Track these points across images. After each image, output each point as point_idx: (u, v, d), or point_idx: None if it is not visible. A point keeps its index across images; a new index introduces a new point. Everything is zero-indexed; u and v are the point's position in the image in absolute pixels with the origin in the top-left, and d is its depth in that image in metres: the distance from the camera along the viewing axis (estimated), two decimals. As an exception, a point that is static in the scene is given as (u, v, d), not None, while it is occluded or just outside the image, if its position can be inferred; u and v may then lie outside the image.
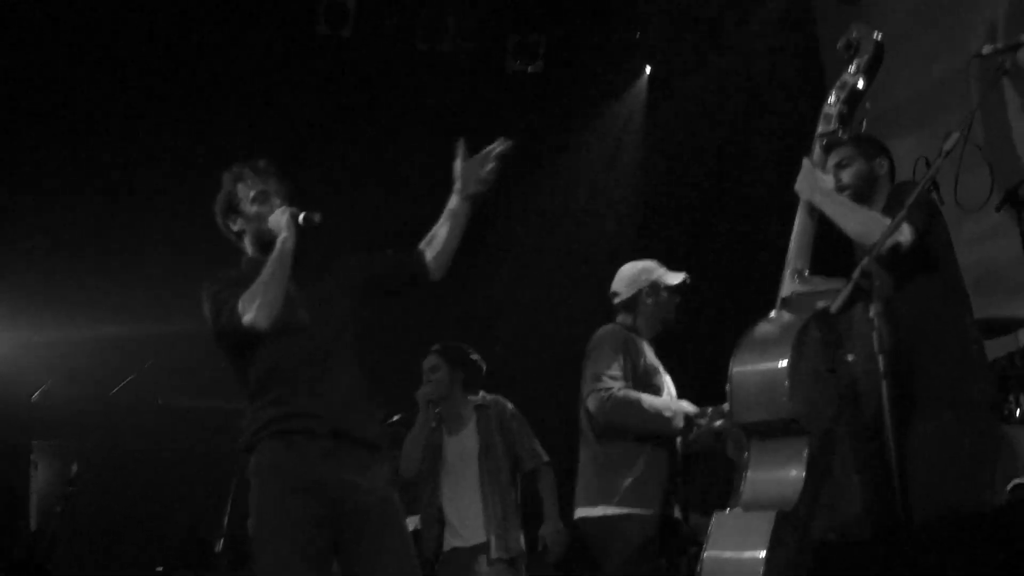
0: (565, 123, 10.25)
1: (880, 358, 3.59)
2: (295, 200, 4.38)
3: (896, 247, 3.94)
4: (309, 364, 4.19)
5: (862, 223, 4.14)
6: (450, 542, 6.05)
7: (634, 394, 5.31)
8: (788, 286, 4.31)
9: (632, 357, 5.44)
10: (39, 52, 8.57)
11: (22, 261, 8.34)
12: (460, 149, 4.45)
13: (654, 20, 9.85)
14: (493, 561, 5.92)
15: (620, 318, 5.66)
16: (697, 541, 6.76)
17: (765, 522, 3.79)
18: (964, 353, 4.19)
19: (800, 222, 4.42)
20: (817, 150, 4.46)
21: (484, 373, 6.35)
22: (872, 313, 3.61)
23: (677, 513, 5.50)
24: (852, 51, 4.48)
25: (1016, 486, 5.21)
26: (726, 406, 5.36)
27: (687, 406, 5.46)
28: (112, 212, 8.71)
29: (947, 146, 3.71)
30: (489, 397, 6.28)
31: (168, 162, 8.78)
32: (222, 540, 7.21)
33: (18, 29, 8.47)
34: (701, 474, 7.84)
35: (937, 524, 3.61)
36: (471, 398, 6.26)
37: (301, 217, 4.25)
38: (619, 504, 5.27)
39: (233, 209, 4.42)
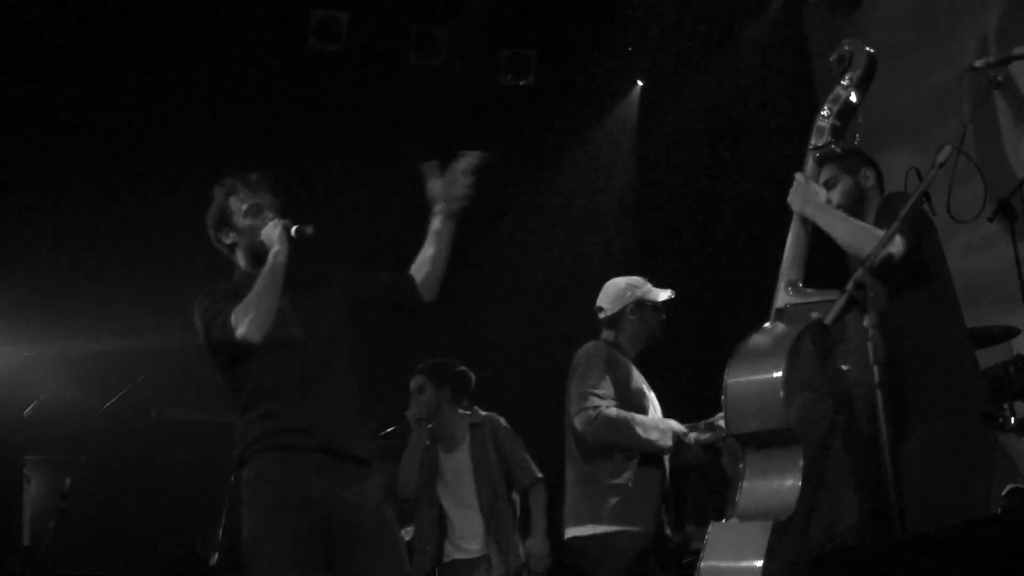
0: (557, 137, 10.26)
1: (875, 369, 3.60)
2: (286, 213, 4.38)
3: (888, 258, 3.95)
4: (300, 378, 4.19)
5: (855, 235, 4.15)
6: (450, 554, 6.07)
7: (621, 412, 5.29)
8: (782, 297, 4.32)
9: (616, 374, 5.42)
10: (29, 70, 8.58)
11: (14, 275, 8.32)
12: (432, 170, 4.44)
13: (646, 34, 9.87)
14: (494, 573, 5.93)
15: (604, 334, 5.64)
16: (690, 550, 6.78)
17: (762, 532, 3.79)
18: (956, 363, 4.21)
19: (794, 234, 4.43)
20: (810, 163, 4.47)
21: (473, 384, 6.36)
22: (867, 324, 3.61)
23: (667, 530, 5.49)
24: (845, 65, 4.49)
25: (1011, 491, 5.22)
26: (714, 420, 5.40)
27: (675, 424, 5.44)
28: (104, 226, 8.70)
29: (940, 159, 3.72)
30: (483, 414, 6.30)
31: (160, 175, 8.77)
32: (217, 554, 7.20)
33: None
34: (695, 485, 7.85)
35: (933, 533, 3.61)
36: (464, 413, 6.28)
37: (294, 230, 4.25)
38: (608, 522, 5.25)
39: (225, 222, 4.42)
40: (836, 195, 4.42)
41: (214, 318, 4.16)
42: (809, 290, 4.30)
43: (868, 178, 4.44)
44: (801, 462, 3.88)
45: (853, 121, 4.49)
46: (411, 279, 4.46)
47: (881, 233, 3.89)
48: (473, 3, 9.60)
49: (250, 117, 9.11)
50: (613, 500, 5.26)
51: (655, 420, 5.43)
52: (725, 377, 4.11)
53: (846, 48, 4.51)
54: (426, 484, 6.16)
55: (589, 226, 10.35)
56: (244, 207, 4.38)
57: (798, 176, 4.44)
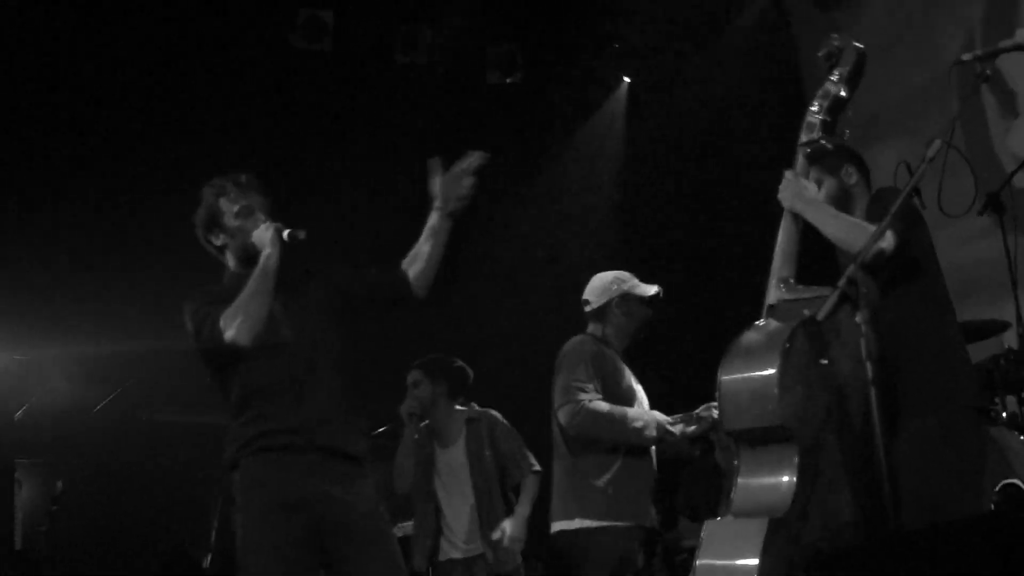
0: (545, 134, 10.28)
1: (868, 365, 3.61)
2: (273, 213, 4.37)
3: (880, 254, 3.94)
4: (291, 380, 4.19)
5: (846, 230, 4.15)
6: (446, 552, 6.05)
7: (605, 405, 5.28)
8: (774, 294, 4.31)
9: (602, 368, 5.41)
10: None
11: (4, 279, 8.30)
12: (435, 167, 4.43)
13: (633, 31, 9.87)
14: (489, 573, 5.92)
15: (590, 328, 5.63)
16: (683, 548, 6.79)
17: (757, 529, 3.78)
18: (948, 358, 4.21)
19: (785, 230, 4.41)
20: (800, 159, 4.46)
21: (470, 380, 6.35)
22: (860, 320, 3.61)
23: (655, 524, 5.48)
24: (833, 60, 4.47)
25: (1005, 486, 5.24)
26: (700, 411, 5.40)
27: (660, 416, 5.43)
28: (94, 228, 8.68)
29: (930, 153, 3.72)
30: (480, 410, 6.28)
31: (145, 176, 8.75)
32: (209, 556, 7.20)
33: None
34: (688, 480, 7.86)
35: (928, 529, 3.62)
36: (461, 409, 6.26)
37: (286, 233, 4.24)
38: (595, 517, 5.24)
39: (216, 223, 4.40)
40: (821, 197, 4.41)
41: (203, 321, 4.15)
42: (801, 287, 4.30)
43: (851, 175, 4.42)
44: (796, 459, 3.87)
45: (843, 116, 4.48)
46: (404, 275, 4.45)
47: (872, 228, 3.89)
48: (459, 1, 9.59)
49: (236, 117, 9.10)
50: (600, 494, 5.25)
51: (639, 412, 5.40)
52: (719, 374, 4.10)
53: (835, 43, 4.49)
54: (423, 480, 6.15)
55: (578, 221, 10.36)
56: (235, 208, 4.37)
57: (788, 173, 4.43)
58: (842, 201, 4.37)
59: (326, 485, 4.10)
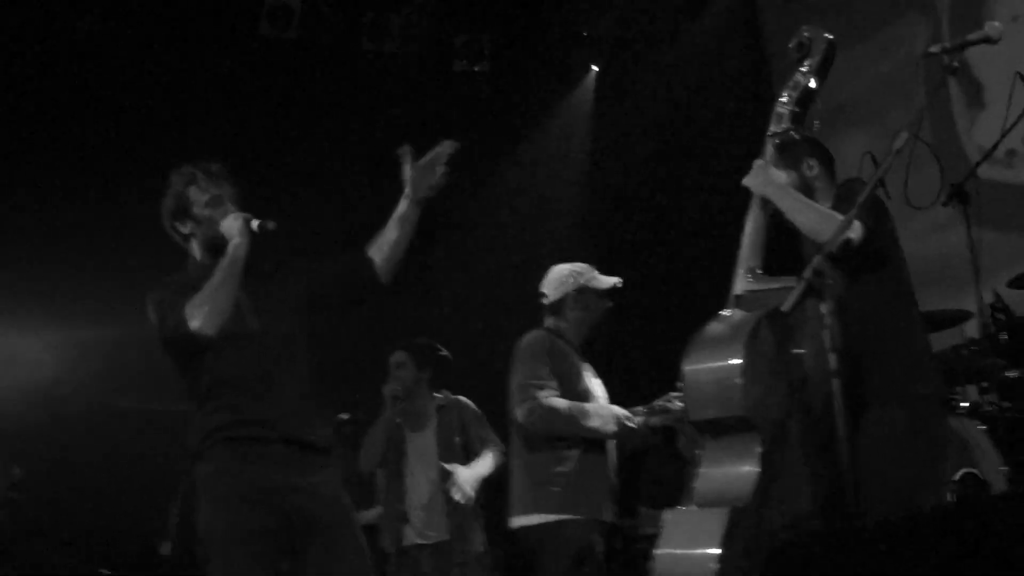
0: (513, 122, 10.25)
1: (832, 356, 3.61)
2: (241, 202, 4.34)
3: (847, 244, 3.95)
4: (258, 370, 4.17)
5: (815, 220, 4.15)
6: (411, 538, 6.04)
7: (562, 402, 5.25)
8: (741, 284, 4.31)
9: (558, 363, 5.38)
10: None
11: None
12: (406, 154, 4.40)
13: (601, 19, 9.87)
14: (454, 560, 5.91)
15: (547, 322, 5.58)
16: (642, 535, 6.77)
17: (719, 519, 3.79)
18: (912, 349, 4.24)
19: (753, 219, 4.41)
20: (770, 150, 4.46)
21: (450, 368, 6.34)
22: (824, 311, 3.62)
23: (614, 518, 5.47)
24: (804, 51, 4.48)
25: (964, 475, 5.26)
26: (661, 402, 5.40)
27: (617, 410, 5.40)
28: (56, 216, 8.60)
29: (897, 145, 3.72)
30: (451, 398, 6.27)
31: (110, 165, 8.68)
32: (168, 543, 7.15)
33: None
34: (650, 467, 7.86)
35: (889, 519, 3.63)
36: (436, 396, 6.26)
37: (255, 224, 4.21)
38: (554, 511, 5.22)
39: (184, 211, 4.35)
40: None
41: (168, 311, 4.12)
42: (768, 277, 4.30)
43: (812, 168, 4.43)
44: (758, 449, 3.88)
45: (812, 107, 4.48)
46: (370, 261, 4.42)
47: (840, 219, 3.90)
48: (427, -12, 9.58)
49: (201, 105, 9.04)
50: (558, 488, 5.22)
51: (596, 407, 5.37)
52: (683, 365, 4.10)
53: (805, 34, 4.49)
54: (392, 463, 6.15)
55: (544, 212, 10.34)
56: (205, 197, 4.32)
57: (757, 162, 4.43)
58: (804, 194, 4.37)
59: (292, 476, 4.08)
